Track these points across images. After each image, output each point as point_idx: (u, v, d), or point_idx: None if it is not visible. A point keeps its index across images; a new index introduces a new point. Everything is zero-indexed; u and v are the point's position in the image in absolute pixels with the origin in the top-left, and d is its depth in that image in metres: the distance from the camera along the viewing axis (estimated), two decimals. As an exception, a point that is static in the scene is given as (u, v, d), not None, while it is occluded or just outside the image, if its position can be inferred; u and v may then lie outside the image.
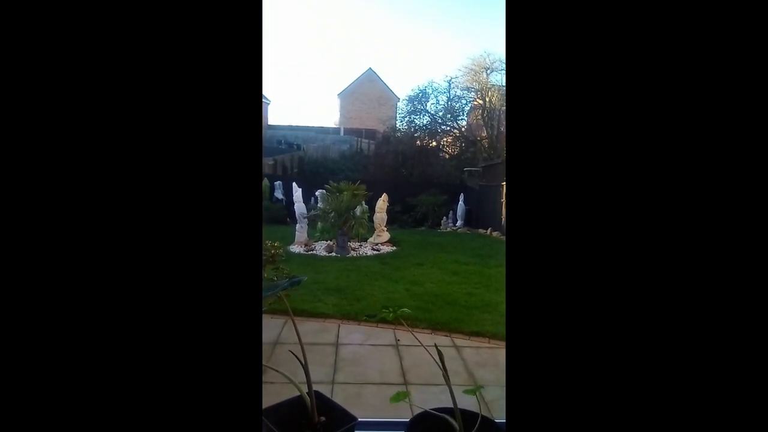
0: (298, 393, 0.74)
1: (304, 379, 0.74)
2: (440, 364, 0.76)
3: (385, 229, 8.56)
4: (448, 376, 0.74)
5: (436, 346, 0.82)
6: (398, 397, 0.78)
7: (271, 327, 3.79)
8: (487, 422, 0.74)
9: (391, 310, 0.76)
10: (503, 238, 9.57)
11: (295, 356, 0.71)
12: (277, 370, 0.80)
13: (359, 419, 0.73)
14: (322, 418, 0.72)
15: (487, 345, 3.80)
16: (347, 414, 0.73)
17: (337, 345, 3.92)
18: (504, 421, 0.87)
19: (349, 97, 24.48)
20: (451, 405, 0.75)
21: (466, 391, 0.78)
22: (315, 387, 0.76)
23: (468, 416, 0.74)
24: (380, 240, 8.34)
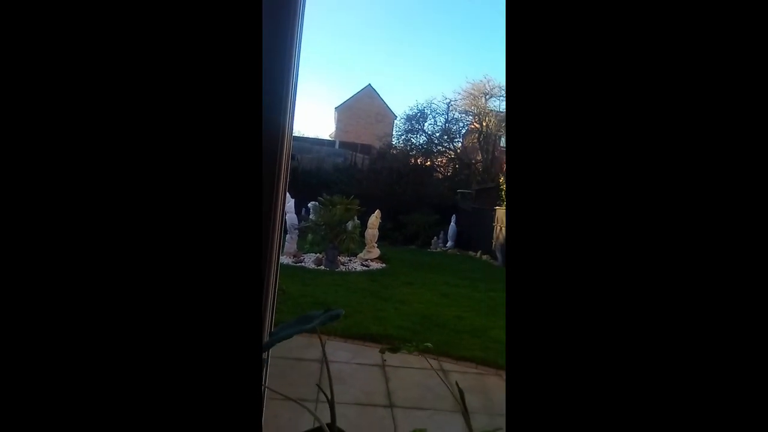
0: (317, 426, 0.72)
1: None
2: (461, 402, 0.73)
3: (376, 245, 8.53)
4: (468, 416, 0.72)
5: (457, 384, 0.79)
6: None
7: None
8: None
9: (414, 344, 0.73)
10: (493, 262, 9.59)
11: (324, 393, 0.68)
12: (301, 405, 0.77)
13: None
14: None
15: (475, 370, 3.76)
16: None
17: (322, 362, 3.85)
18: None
19: (346, 111, 24.65)
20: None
21: None
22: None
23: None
24: (370, 256, 8.30)
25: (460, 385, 0.76)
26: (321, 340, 0.73)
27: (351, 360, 3.93)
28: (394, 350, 0.73)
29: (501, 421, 1.15)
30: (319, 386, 0.70)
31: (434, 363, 3.96)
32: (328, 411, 0.68)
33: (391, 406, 3.04)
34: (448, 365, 3.93)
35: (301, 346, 3.97)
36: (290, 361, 3.56)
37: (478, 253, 10.51)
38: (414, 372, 3.61)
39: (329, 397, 0.70)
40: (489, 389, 3.49)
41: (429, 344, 0.77)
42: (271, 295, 0.95)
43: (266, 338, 0.96)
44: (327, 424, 0.71)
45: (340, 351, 4.08)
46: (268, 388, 0.85)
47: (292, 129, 0.95)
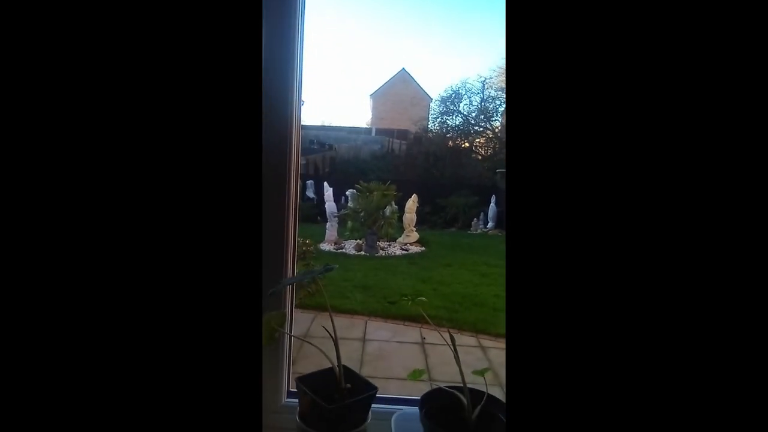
0: (329, 366, 0.86)
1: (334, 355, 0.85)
2: (452, 346, 0.84)
3: (414, 229, 8.63)
4: (458, 357, 0.83)
5: (449, 331, 0.90)
6: (416, 375, 0.86)
7: (301, 321, 3.95)
8: (493, 399, 0.82)
9: (409, 297, 0.85)
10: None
11: (327, 331, 0.81)
12: (312, 344, 0.91)
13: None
14: (348, 385, 0.82)
15: (513, 346, 3.83)
16: (369, 384, 0.83)
17: (364, 341, 4.03)
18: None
19: (381, 97, 24.62)
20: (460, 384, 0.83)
21: (474, 372, 0.85)
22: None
23: (476, 394, 0.82)
24: (409, 240, 8.41)
25: (499, 361, 0.86)
26: (330, 311, 0.85)
27: (392, 338, 4.09)
28: (392, 303, 0.83)
29: None
30: (324, 327, 0.82)
31: (473, 340, 4.04)
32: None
33: (430, 380, 3.18)
34: (487, 342, 4.01)
35: (343, 327, 4.18)
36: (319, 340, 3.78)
37: (520, 233, 10.33)
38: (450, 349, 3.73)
39: (334, 337, 0.82)
40: (527, 363, 3.55)
41: (423, 298, 0.87)
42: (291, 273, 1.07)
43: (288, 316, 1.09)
44: (335, 364, 0.84)
45: (381, 330, 4.26)
46: (294, 336, 0.99)
47: (300, 118, 1.04)
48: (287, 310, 1.04)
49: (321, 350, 0.86)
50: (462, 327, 4.26)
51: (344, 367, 0.86)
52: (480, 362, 3.50)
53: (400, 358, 3.74)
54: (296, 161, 1.02)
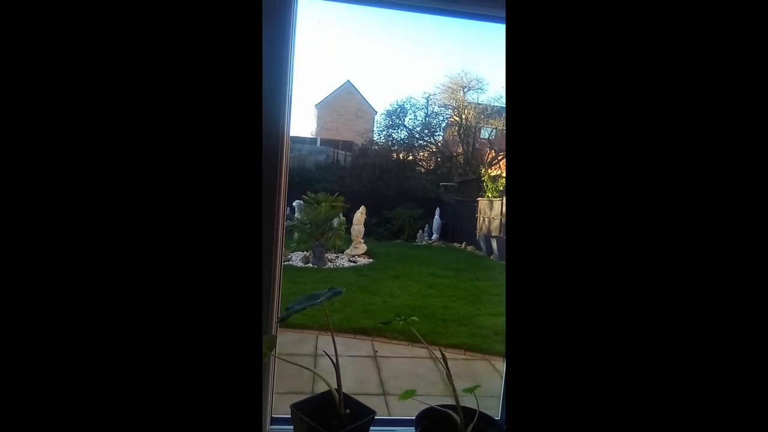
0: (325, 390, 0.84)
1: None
2: (444, 364, 0.86)
3: (362, 241, 8.64)
4: (451, 376, 0.84)
5: (441, 350, 0.92)
6: (407, 395, 0.87)
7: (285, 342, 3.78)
8: (485, 417, 0.84)
9: (402, 318, 0.86)
10: (477, 252, 9.79)
11: (329, 357, 0.80)
12: (311, 370, 0.88)
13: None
14: (347, 411, 0.81)
15: (463, 357, 3.92)
16: (367, 408, 0.83)
17: (315, 355, 3.95)
18: (498, 418, 0.96)
19: (326, 108, 24.54)
20: (449, 402, 0.85)
21: (465, 390, 0.88)
22: (296, 397, 0.84)
23: (467, 412, 0.84)
24: (357, 252, 8.40)
25: (451, 372, 0.88)
26: (333, 332, 0.83)
27: (344, 353, 4.04)
28: (386, 323, 0.83)
29: (489, 402, 1.28)
30: (325, 352, 0.81)
31: (423, 351, 4.10)
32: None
33: (384, 394, 3.17)
34: (438, 353, 4.07)
35: (293, 342, 4.07)
36: (285, 356, 3.66)
37: (463, 244, 10.70)
38: (404, 361, 3.75)
39: (336, 362, 0.81)
40: (477, 373, 3.65)
41: (416, 317, 0.89)
42: (277, 288, 1.05)
43: (273, 331, 1.06)
44: (334, 389, 0.83)
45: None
46: (278, 357, 0.96)
47: (290, 129, 1.03)
48: (274, 332, 1.01)
49: (320, 376, 0.85)
50: (413, 339, 4.30)
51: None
52: (432, 373, 3.55)
53: (353, 371, 3.70)
54: (285, 172, 1.00)
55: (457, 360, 3.85)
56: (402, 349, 3.95)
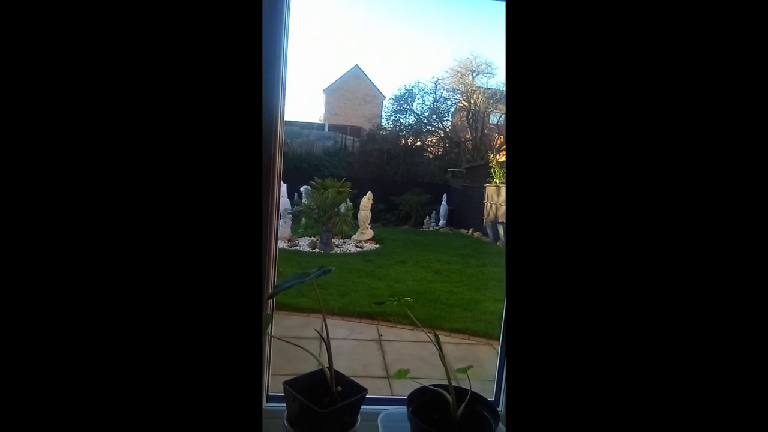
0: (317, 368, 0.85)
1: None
2: (437, 345, 0.87)
3: (369, 226, 8.66)
4: (443, 356, 0.85)
5: (434, 332, 0.93)
6: (400, 374, 0.88)
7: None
8: (476, 397, 0.86)
9: (396, 298, 0.87)
10: (484, 238, 9.78)
11: (320, 335, 0.81)
12: (303, 348, 0.90)
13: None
14: (339, 388, 0.83)
15: (467, 341, 3.95)
16: (358, 386, 0.84)
17: (321, 339, 4.01)
18: (492, 399, 0.97)
19: (334, 93, 24.39)
20: (444, 383, 0.86)
21: (458, 370, 0.89)
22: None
23: (460, 392, 0.86)
24: (364, 237, 8.43)
25: (454, 356, 0.89)
26: (324, 312, 0.85)
27: (349, 336, 4.09)
28: (379, 304, 0.84)
29: (488, 385, 1.29)
30: (317, 331, 0.82)
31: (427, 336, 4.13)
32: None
33: (388, 377, 3.21)
34: (442, 337, 4.10)
35: (299, 325, 4.12)
36: (291, 339, 3.72)
37: (470, 231, 10.68)
38: (409, 345, 3.79)
39: (326, 340, 0.82)
40: (481, 358, 3.68)
41: (409, 298, 0.90)
42: (271, 277, 1.06)
43: (268, 311, 1.08)
44: (326, 367, 0.84)
45: (339, 328, 4.24)
46: (274, 336, 0.98)
47: (284, 116, 1.04)
48: (270, 312, 1.02)
49: (312, 354, 0.86)
50: (417, 324, 4.34)
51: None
52: (435, 357, 3.59)
53: (359, 354, 3.75)
54: (279, 158, 1.01)
55: (460, 344, 3.89)
56: (407, 333, 3.98)
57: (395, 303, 0.86)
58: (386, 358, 3.66)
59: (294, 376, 0.85)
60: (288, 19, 1.00)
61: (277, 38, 0.95)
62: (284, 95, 1.01)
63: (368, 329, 4.20)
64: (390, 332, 4.04)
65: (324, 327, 0.83)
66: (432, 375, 3.54)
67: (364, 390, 0.83)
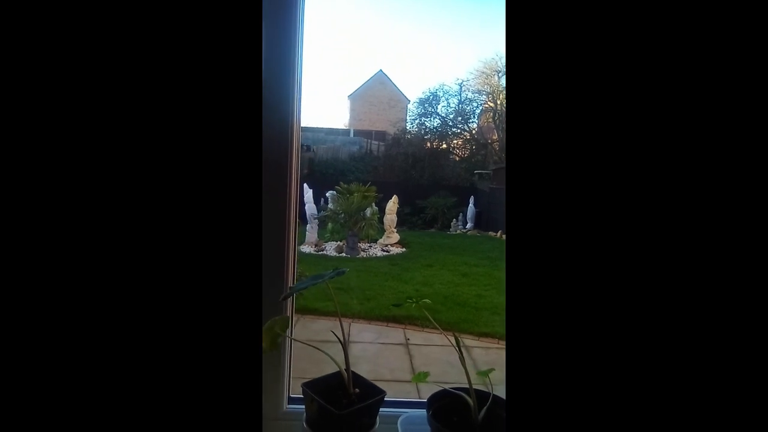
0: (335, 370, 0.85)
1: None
2: (457, 347, 0.85)
3: (395, 230, 8.65)
4: (463, 358, 0.83)
5: (454, 333, 0.91)
6: (420, 377, 0.87)
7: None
8: (498, 400, 0.83)
9: (414, 300, 0.86)
10: (512, 241, 9.60)
11: (336, 336, 0.81)
12: (319, 349, 0.90)
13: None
14: (357, 390, 0.82)
15: (497, 346, 3.88)
16: (377, 388, 0.83)
17: (347, 343, 4.02)
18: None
19: (359, 99, 24.58)
20: (465, 386, 0.84)
21: (479, 373, 0.87)
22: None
23: (481, 395, 0.83)
24: (390, 241, 8.43)
25: (483, 360, 0.87)
26: (339, 315, 0.85)
27: (375, 340, 4.09)
28: (398, 305, 0.83)
29: None
30: (333, 332, 0.82)
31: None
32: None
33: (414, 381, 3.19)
34: (470, 341, 4.05)
35: (326, 329, 4.15)
36: (315, 343, 3.75)
37: (498, 233, 10.51)
38: (436, 349, 3.75)
39: (343, 342, 0.82)
40: (510, 362, 3.61)
41: (428, 300, 0.88)
42: (291, 273, 1.07)
43: (287, 312, 1.09)
44: (343, 369, 0.84)
45: (365, 332, 4.25)
46: (294, 339, 0.98)
47: (300, 119, 1.04)
48: (289, 314, 1.03)
49: (329, 355, 0.86)
50: (445, 327, 4.29)
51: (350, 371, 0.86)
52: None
53: (386, 359, 3.74)
54: (296, 162, 1.02)
55: (490, 349, 3.82)
56: (435, 337, 3.95)
57: (413, 305, 0.85)
58: (414, 362, 3.64)
59: (316, 377, 0.85)
60: (302, 26, 1.01)
61: (291, 45, 0.97)
62: (300, 102, 1.02)
63: (395, 333, 4.18)
64: (417, 336, 4.01)
65: (341, 329, 0.83)
66: (460, 380, 3.49)
67: (383, 392, 0.82)
